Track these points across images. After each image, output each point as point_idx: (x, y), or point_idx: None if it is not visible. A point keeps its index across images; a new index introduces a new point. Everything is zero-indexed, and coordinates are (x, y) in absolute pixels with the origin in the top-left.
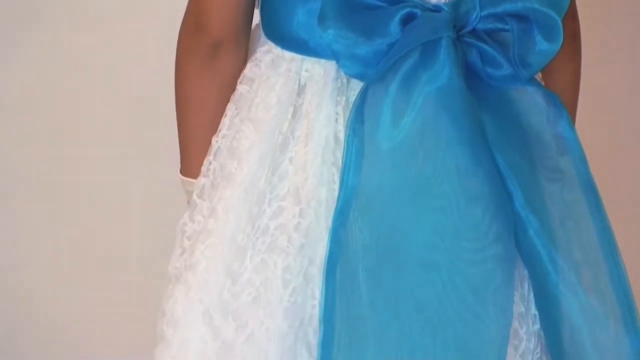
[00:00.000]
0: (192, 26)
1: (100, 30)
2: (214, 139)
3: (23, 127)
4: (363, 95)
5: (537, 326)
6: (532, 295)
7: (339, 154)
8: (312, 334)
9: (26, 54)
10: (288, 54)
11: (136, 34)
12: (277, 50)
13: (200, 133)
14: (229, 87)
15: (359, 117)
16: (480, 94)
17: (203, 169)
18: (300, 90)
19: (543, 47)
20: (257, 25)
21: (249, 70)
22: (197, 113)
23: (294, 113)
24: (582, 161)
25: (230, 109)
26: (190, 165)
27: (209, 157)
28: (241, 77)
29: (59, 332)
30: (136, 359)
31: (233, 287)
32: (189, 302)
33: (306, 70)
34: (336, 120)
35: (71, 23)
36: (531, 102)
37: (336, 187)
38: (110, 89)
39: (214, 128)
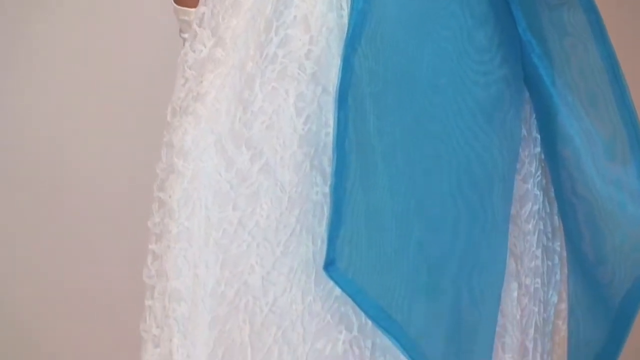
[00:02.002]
0: None
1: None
2: None
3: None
4: None
5: (538, 149)
6: (533, 118)
7: None
8: (327, 162)
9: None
10: None
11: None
12: None
13: None
14: None
15: None
16: None
17: None
18: None
19: None
20: None
21: None
22: None
23: None
24: None
25: None
26: None
27: None
28: None
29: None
30: None
31: (245, 116)
32: (199, 133)
33: None
34: None
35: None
36: None
37: (344, 12)
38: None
39: None
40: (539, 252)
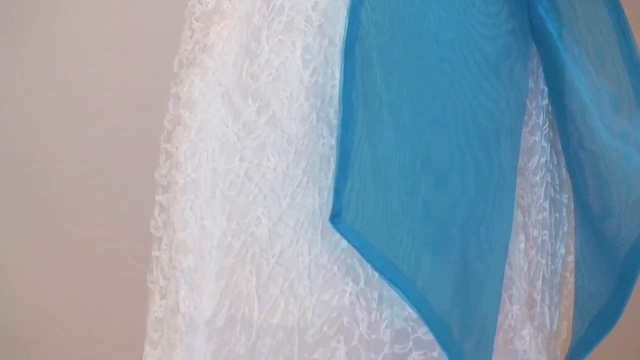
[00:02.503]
0: None
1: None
2: None
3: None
4: None
5: (546, 101)
6: (541, 70)
7: None
8: (333, 114)
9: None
10: None
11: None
12: None
13: None
14: None
15: None
16: None
17: None
18: None
19: None
20: None
21: None
22: None
23: None
24: None
25: None
26: None
27: None
28: None
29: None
30: None
31: (252, 68)
32: (206, 85)
33: None
34: None
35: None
36: None
37: None
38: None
39: None
40: (546, 205)
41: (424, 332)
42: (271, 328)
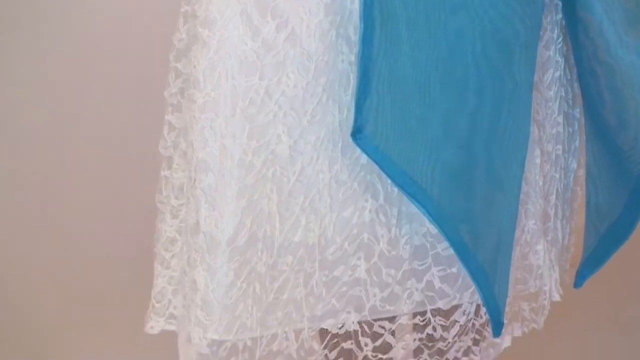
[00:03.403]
0: None
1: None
2: None
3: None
4: None
5: (560, 15)
6: None
7: None
8: (352, 30)
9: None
10: None
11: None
12: None
13: None
14: None
15: None
16: None
17: None
18: None
19: None
20: None
21: None
22: None
23: None
24: None
25: None
26: None
27: None
28: None
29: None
30: None
31: None
32: (224, 2)
33: None
34: None
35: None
36: None
37: None
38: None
39: None
40: (560, 119)
41: (443, 248)
42: (292, 246)
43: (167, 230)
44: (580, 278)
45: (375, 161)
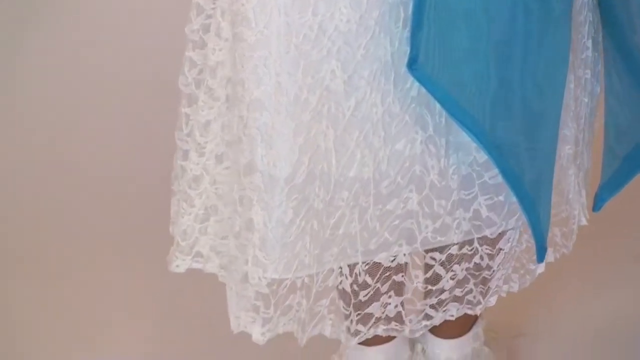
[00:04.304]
0: None
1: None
2: None
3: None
4: None
5: None
6: None
7: None
8: None
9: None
10: None
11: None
12: None
13: None
14: None
15: None
16: None
17: None
18: None
19: None
20: None
21: None
22: None
23: None
24: None
25: None
26: None
27: None
28: None
29: None
30: None
31: None
32: None
33: None
34: None
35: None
36: None
37: None
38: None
39: None
40: (589, 43)
41: (490, 176)
42: (348, 181)
43: (193, 168)
44: (599, 201)
45: (429, 91)
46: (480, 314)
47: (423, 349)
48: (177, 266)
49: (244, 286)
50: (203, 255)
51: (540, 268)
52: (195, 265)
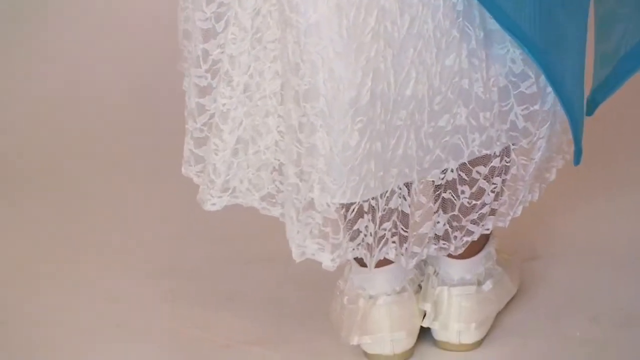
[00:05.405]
0: None
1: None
2: None
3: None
4: None
5: None
6: None
7: None
8: None
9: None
10: None
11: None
12: None
13: None
14: None
15: None
16: None
17: None
18: None
19: None
20: None
21: None
22: None
23: None
24: None
25: None
26: None
27: None
28: None
29: None
30: None
31: None
32: None
33: None
34: None
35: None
36: None
37: None
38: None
39: None
40: None
41: (527, 86)
42: (405, 100)
43: (226, 102)
44: (593, 104)
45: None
46: (491, 232)
47: (435, 270)
48: (213, 204)
49: (309, 213)
50: (242, 190)
51: (553, 175)
52: (234, 201)
